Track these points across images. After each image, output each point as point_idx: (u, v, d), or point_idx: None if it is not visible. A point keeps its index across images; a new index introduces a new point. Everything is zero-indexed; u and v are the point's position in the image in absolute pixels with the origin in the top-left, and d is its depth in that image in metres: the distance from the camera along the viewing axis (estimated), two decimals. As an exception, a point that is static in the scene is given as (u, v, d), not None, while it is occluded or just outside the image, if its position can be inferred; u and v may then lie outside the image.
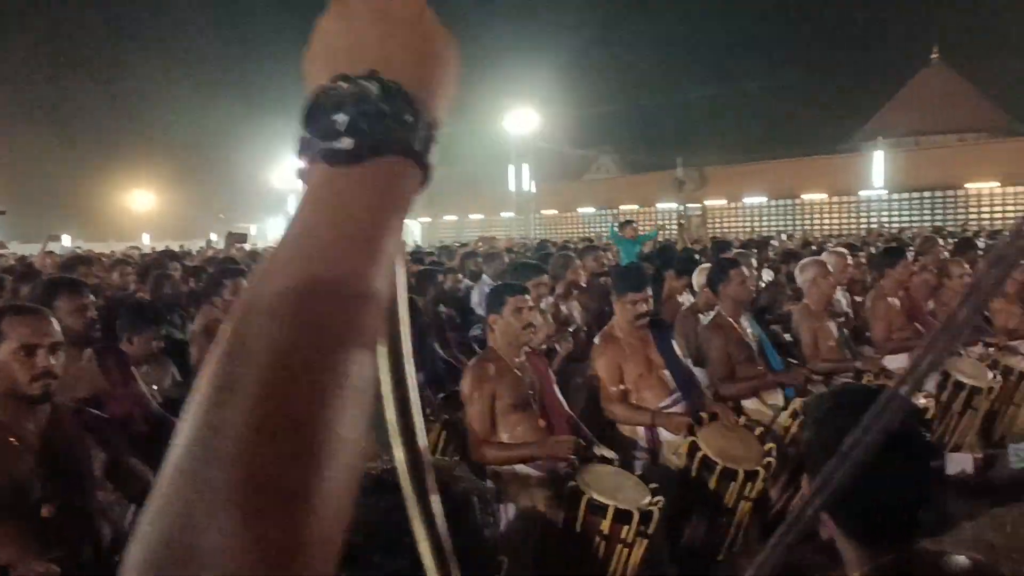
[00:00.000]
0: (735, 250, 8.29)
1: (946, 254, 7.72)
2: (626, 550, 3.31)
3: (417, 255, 10.94)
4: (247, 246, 14.00)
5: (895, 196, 34.37)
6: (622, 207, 38.72)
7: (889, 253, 6.53)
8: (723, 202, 39.50)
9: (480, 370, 3.93)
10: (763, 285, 7.39)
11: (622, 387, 4.47)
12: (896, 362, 5.46)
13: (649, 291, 4.62)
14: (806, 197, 36.87)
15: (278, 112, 43.57)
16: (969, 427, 5.20)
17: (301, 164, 0.54)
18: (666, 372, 4.48)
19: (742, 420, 4.24)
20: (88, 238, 39.07)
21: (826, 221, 35.96)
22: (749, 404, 4.71)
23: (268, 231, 48.65)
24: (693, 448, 3.90)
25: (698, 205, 38.68)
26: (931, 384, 5.26)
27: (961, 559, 1.47)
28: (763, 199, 38.27)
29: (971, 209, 32.31)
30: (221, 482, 0.40)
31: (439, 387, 4.85)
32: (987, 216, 31.19)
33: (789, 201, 37.62)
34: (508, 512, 3.69)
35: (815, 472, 1.28)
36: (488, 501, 1.26)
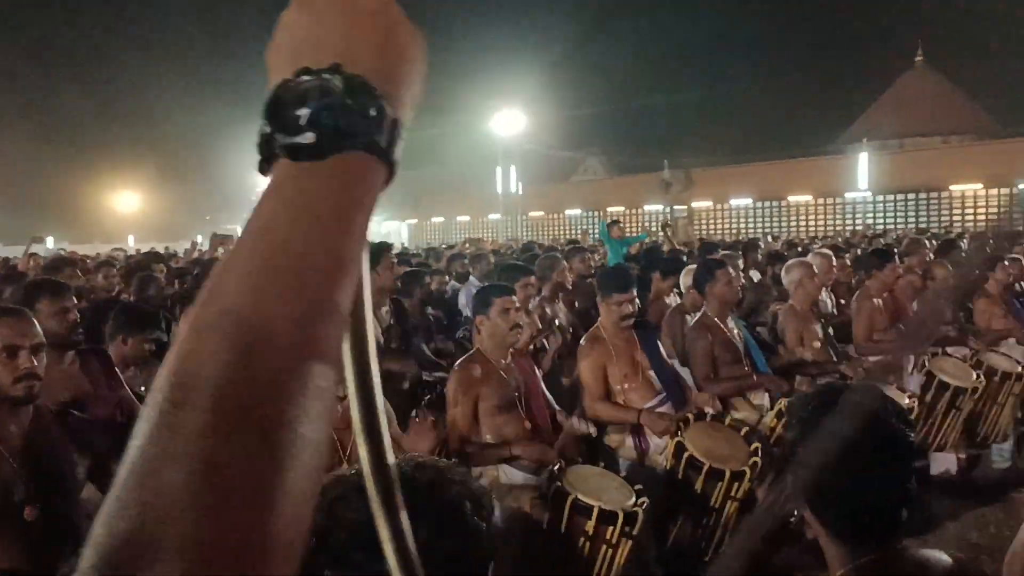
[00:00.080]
0: (722, 251, 8.32)
1: (931, 256, 7.76)
2: (610, 551, 3.31)
3: (404, 257, 10.92)
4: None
5: (879, 198, 34.59)
6: (609, 209, 38.78)
7: (877, 255, 6.57)
8: (709, 204, 39.63)
9: (466, 372, 3.92)
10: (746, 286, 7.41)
11: (608, 388, 4.48)
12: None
13: (635, 292, 4.63)
14: (792, 199, 37.04)
15: (265, 113, 43.32)
16: (953, 427, 5.23)
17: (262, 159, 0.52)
18: (652, 373, 4.50)
19: (728, 420, 4.25)
20: (73, 240, 38.78)
21: (811, 223, 36.14)
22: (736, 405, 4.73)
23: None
24: (679, 449, 3.90)
25: (684, 207, 38.83)
26: (915, 384, 5.30)
27: (944, 558, 1.48)
28: (749, 201, 38.42)
29: (955, 211, 32.56)
30: (180, 483, 0.40)
31: (427, 388, 4.85)
32: (970, 218, 31.45)
33: (775, 203, 37.79)
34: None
35: (798, 471, 1.28)
36: (482, 504, 1.26)
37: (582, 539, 3.32)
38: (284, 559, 0.42)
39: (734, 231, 32.93)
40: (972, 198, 32.31)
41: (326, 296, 0.47)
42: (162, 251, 15.22)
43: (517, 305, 4.09)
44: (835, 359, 5.45)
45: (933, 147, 37.79)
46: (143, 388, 4.16)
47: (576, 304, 6.62)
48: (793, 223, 36.38)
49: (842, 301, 7.09)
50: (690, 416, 4.13)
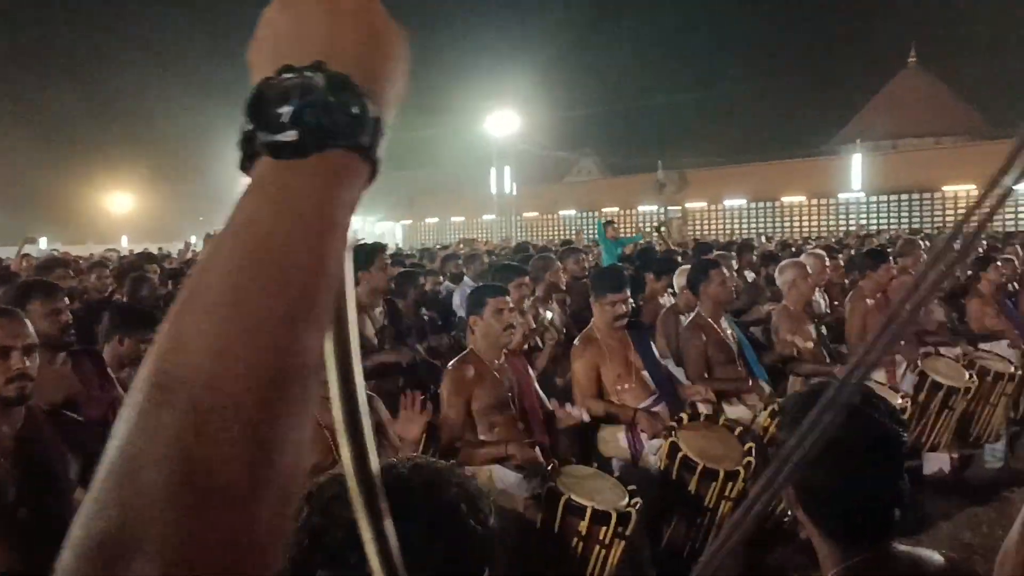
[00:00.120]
0: (716, 252, 8.33)
1: (924, 256, 7.77)
2: (604, 551, 3.31)
3: (398, 257, 10.91)
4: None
5: (873, 198, 34.70)
6: (603, 209, 38.82)
7: (871, 255, 6.57)
8: (703, 204, 39.71)
9: (459, 373, 3.92)
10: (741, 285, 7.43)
11: (601, 388, 4.48)
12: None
13: (628, 292, 4.63)
14: (786, 199, 37.14)
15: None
16: (946, 427, 5.24)
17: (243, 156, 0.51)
18: (645, 373, 4.50)
19: (722, 420, 4.26)
20: (66, 240, 38.69)
21: (805, 223, 36.24)
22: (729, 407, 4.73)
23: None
24: (673, 449, 3.90)
25: (679, 207, 38.89)
26: (908, 384, 5.31)
27: (937, 558, 1.48)
28: (743, 201, 38.51)
29: (948, 211, 32.68)
30: (160, 483, 0.39)
31: (421, 388, 4.84)
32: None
33: (769, 203, 37.88)
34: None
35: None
36: (479, 506, 1.25)
37: (575, 539, 3.32)
38: (264, 559, 0.41)
39: (728, 232, 33.01)
40: (965, 199, 32.42)
41: (308, 294, 0.47)
42: (156, 252, 15.16)
43: (511, 305, 4.09)
44: (828, 359, 5.46)
45: (926, 148, 37.96)
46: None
47: (570, 305, 6.62)
48: (787, 224, 36.49)
49: (835, 302, 7.10)
50: (684, 416, 4.13)
